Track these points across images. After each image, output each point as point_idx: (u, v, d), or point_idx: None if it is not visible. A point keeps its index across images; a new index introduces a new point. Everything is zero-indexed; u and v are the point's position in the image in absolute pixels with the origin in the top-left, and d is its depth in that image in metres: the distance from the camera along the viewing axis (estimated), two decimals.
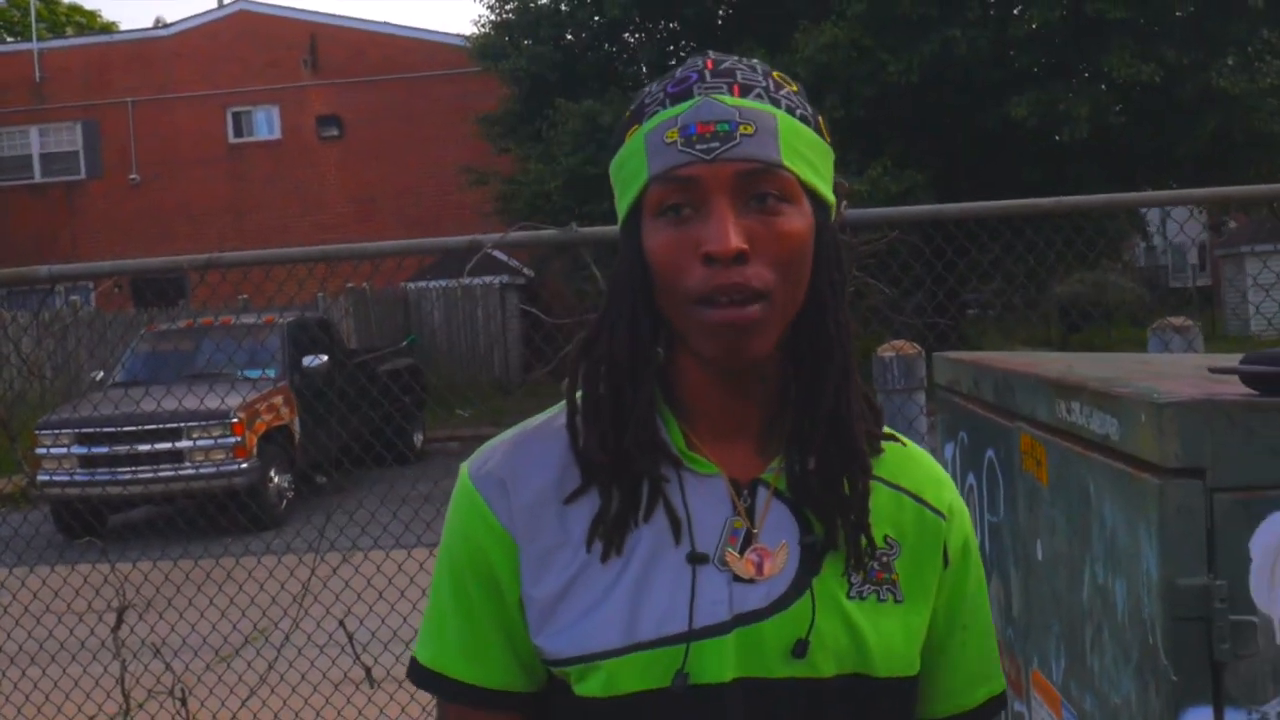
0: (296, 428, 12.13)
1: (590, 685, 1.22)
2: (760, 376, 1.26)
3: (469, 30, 23.48)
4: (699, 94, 1.21)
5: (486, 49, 21.84)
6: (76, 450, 11.00)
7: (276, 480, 11.64)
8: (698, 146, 1.18)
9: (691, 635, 1.21)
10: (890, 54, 17.20)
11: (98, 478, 10.80)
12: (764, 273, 1.18)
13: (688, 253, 1.18)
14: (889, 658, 1.26)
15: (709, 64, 1.25)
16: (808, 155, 1.23)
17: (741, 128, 1.19)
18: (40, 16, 35.84)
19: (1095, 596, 1.61)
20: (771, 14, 19.50)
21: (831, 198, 1.28)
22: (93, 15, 40.45)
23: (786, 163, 1.20)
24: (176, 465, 10.88)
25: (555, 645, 1.24)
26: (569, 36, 21.75)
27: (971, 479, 2.53)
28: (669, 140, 1.20)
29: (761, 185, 1.19)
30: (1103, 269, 22.31)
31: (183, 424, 10.69)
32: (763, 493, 1.27)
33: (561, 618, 1.25)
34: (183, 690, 4.35)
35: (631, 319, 1.24)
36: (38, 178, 27.53)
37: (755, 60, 1.28)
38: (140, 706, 4.50)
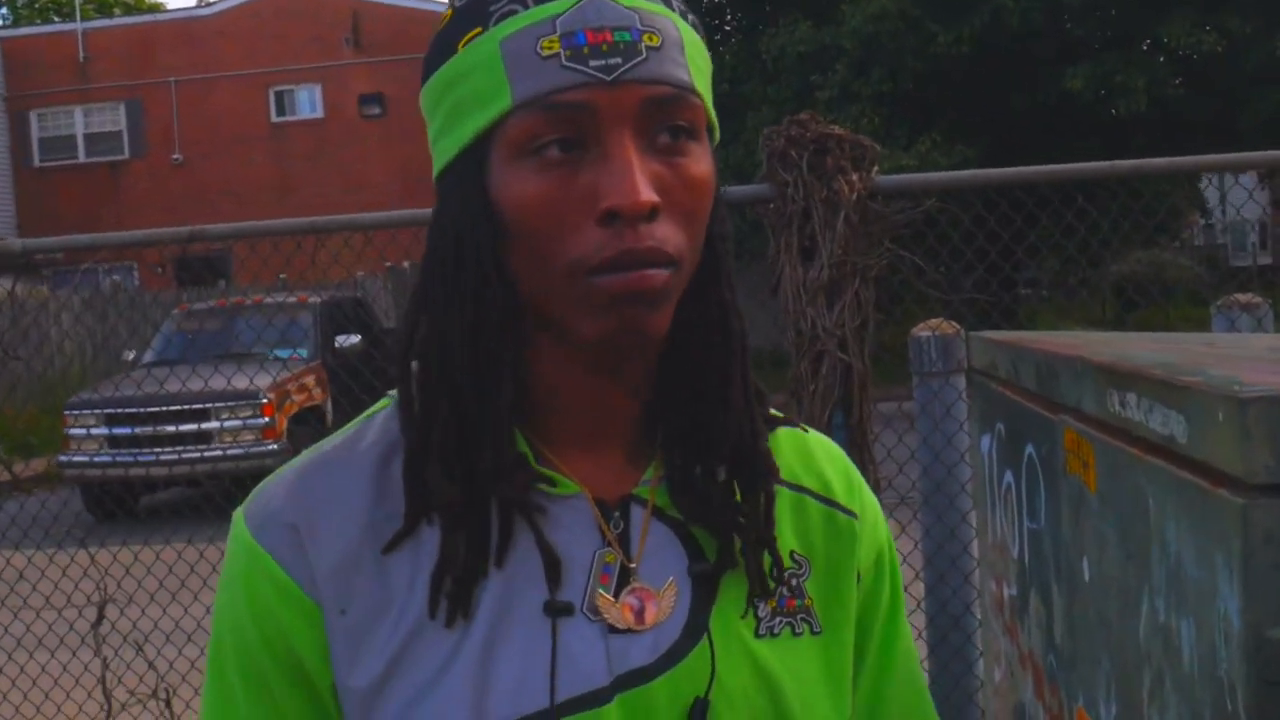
0: (329, 408, 11.94)
1: None
2: (638, 361, 0.96)
3: None
4: None
5: None
6: (104, 431, 10.87)
7: None
8: (591, 63, 0.87)
9: (560, 711, 0.91)
10: (940, 25, 16.80)
11: (124, 458, 10.66)
12: (674, 232, 0.90)
13: (575, 208, 0.88)
14: (812, 707, 0.99)
15: None
16: (708, 76, 0.95)
17: (646, 36, 0.89)
18: None
19: (1155, 636, 1.29)
20: None
21: (717, 131, 0.98)
22: None
23: (698, 85, 0.92)
24: (204, 446, 10.72)
25: None
26: None
27: (1009, 478, 2.21)
28: (545, 52, 0.88)
29: (671, 116, 0.90)
30: (1160, 247, 21.77)
31: (211, 404, 10.52)
32: (638, 513, 0.98)
33: (391, 707, 0.91)
34: (167, 690, 4.13)
35: (477, 294, 0.92)
36: (82, 158, 27.66)
37: None
38: (123, 707, 4.28)
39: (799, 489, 1.05)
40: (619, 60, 0.87)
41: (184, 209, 26.26)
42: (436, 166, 0.98)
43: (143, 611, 4.56)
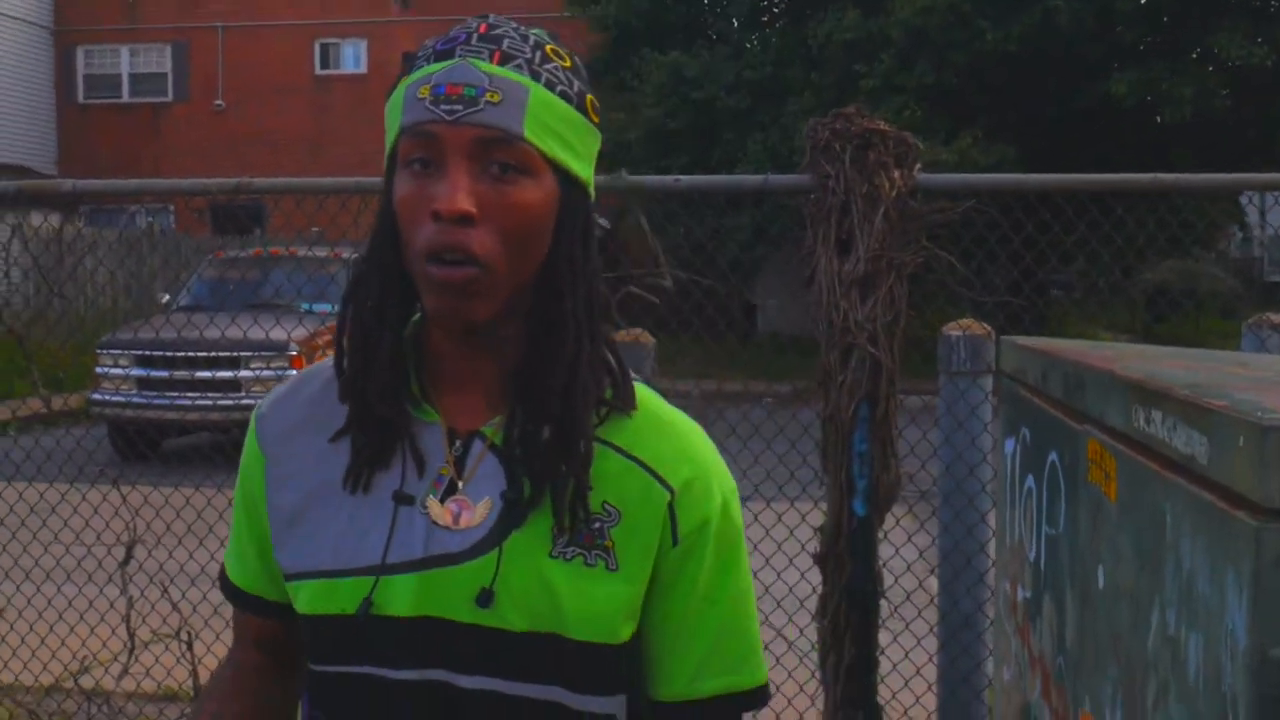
0: None
1: (300, 602, 1.32)
2: (499, 338, 1.29)
3: None
4: (459, 55, 1.24)
5: None
6: (134, 372, 10.97)
7: None
8: (442, 106, 1.22)
9: (382, 570, 1.27)
10: (989, 21, 16.68)
11: (154, 400, 10.76)
12: (488, 240, 1.21)
13: (423, 207, 1.21)
14: (585, 620, 1.27)
15: (482, 28, 1.27)
16: (559, 130, 1.26)
17: (489, 94, 1.22)
18: None
19: (1163, 647, 1.34)
20: None
21: (587, 176, 1.30)
22: None
23: (529, 135, 1.23)
24: (233, 394, 10.80)
25: (284, 558, 1.35)
26: None
27: (1031, 482, 2.26)
28: (420, 96, 1.23)
29: (498, 154, 1.22)
30: (1194, 257, 21.60)
31: (240, 353, 10.59)
32: (478, 445, 1.31)
33: (293, 535, 1.34)
34: (189, 632, 4.21)
35: (382, 270, 1.27)
36: (125, 97, 27.72)
37: (537, 30, 1.31)
38: (146, 646, 4.36)
39: (630, 457, 1.32)
40: (460, 108, 1.21)
41: (219, 156, 26.36)
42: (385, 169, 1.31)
43: (170, 554, 4.64)
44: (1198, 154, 17.20)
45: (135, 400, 10.87)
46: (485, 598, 1.25)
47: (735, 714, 1.37)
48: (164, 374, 10.88)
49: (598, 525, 1.29)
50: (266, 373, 10.83)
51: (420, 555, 1.26)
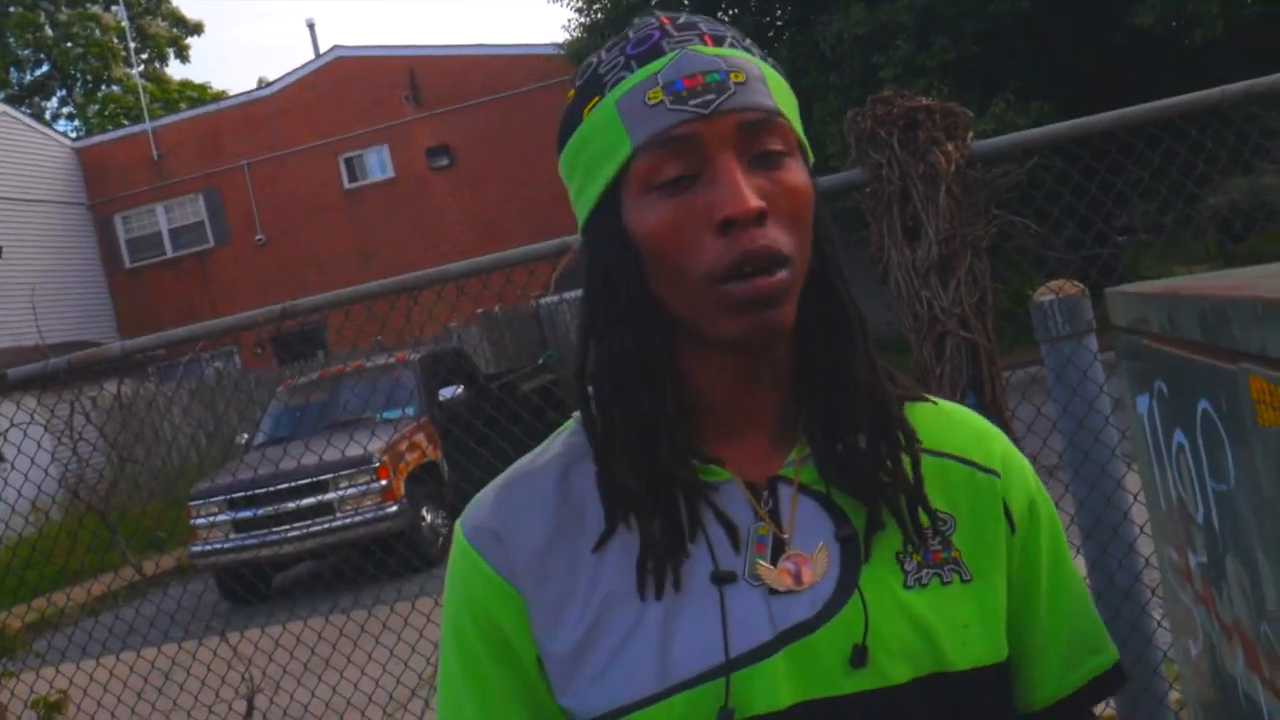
0: (443, 462, 11.93)
1: None
2: (770, 357, 1.11)
3: (561, 37, 23.32)
4: (671, 49, 1.07)
5: (580, 53, 21.64)
6: (228, 516, 10.96)
7: (429, 519, 11.42)
8: (690, 102, 1.04)
9: (731, 665, 1.05)
10: None
11: (251, 541, 10.74)
12: (781, 234, 1.05)
13: (697, 225, 1.04)
14: (967, 646, 1.10)
15: (665, 20, 1.11)
16: (793, 106, 1.12)
17: (733, 75, 1.06)
18: (154, 97, 36.92)
19: None
20: None
21: (810, 152, 1.15)
22: (203, 89, 41.35)
23: (783, 110, 1.09)
24: (327, 518, 10.75)
25: (583, 702, 1.08)
26: None
27: (1180, 438, 2.04)
28: (652, 102, 1.05)
29: (764, 137, 1.06)
30: (1258, 172, 21.04)
31: (327, 475, 10.55)
32: (785, 491, 1.12)
33: (587, 670, 1.08)
34: None
35: (634, 318, 1.08)
36: (169, 253, 28.21)
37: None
38: None
39: (939, 454, 1.17)
40: (713, 96, 1.04)
41: (272, 287, 26.71)
42: (580, 219, 1.12)
43: (291, 697, 4.52)
44: (1239, 68, 16.76)
45: (233, 544, 10.85)
46: (860, 656, 1.06)
47: (1103, 698, 1.26)
48: (256, 512, 10.86)
49: (939, 538, 1.13)
50: (354, 490, 10.77)
51: (770, 635, 1.06)
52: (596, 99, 1.09)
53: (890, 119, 3.21)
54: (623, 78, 1.08)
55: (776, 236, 1.04)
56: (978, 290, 3.20)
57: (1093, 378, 3.34)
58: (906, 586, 1.10)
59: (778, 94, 1.09)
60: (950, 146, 3.19)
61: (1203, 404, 1.82)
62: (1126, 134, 3.40)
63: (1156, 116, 3.25)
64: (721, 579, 1.07)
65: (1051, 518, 1.23)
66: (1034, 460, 3.48)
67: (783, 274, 1.04)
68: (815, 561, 1.09)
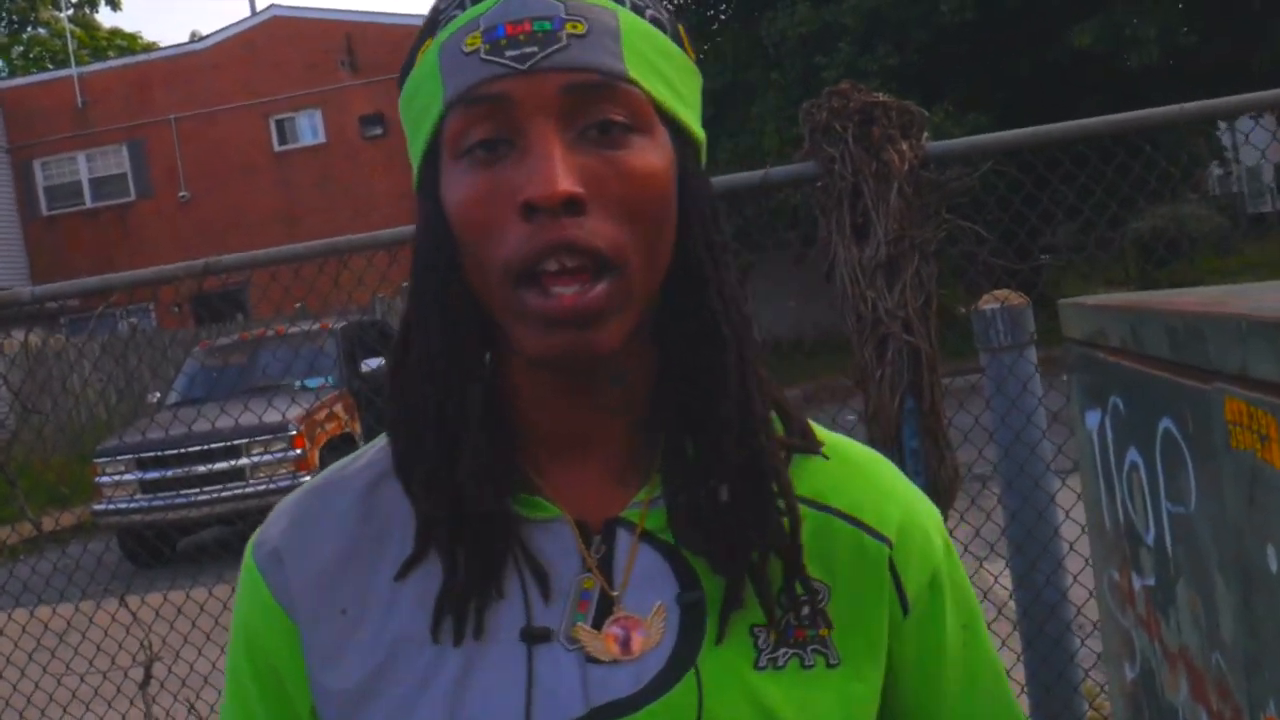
0: (361, 435, 11.76)
1: None
2: (614, 376, 0.91)
3: None
4: None
5: None
6: (135, 476, 10.71)
7: None
8: (507, 54, 0.85)
9: None
10: None
11: (158, 502, 10.50)
12: (609, 228, 0.85)
13: (503, 206, 0.85)
14: None
15: None
16: (663, 69, 0.90)
17: (569, 24, 0.86)
18: (82, 43, 36.06)
19: None
20: None
21: (699, 132, 0.95)
22: (133, 38, 40.47)
23: (633, 74, 0.87)
24: (238, 484, 10.54)
25: None
26: None
27: (1134, 456, 1.99)
28: (468, 49, 0.86)
29: (600, 106, 0.86)
30: (1180, 200, 21.43)
31: (241, 440, 10.34)
32: (624, 537, 0.93)
33: (369, 719, 0.91)
34: None
35: (442, 311, 0.90)
36: (89, 203, 27.60)
37: None
38: None
39: (824, 509, 0.97)
40: (535, 49, 0.84)
41: (195, 245, 26.22)
42: (415, 179, 0.95)
43: (191, 667, 4.38)
44: (1169, 92, 17.05)
45: (138, 505, 10.60)
46: None
47: None
48: (165, 473, 10.63)
49: (806, 610, 0.93)
50: (268, 457, 10.57)
51: (581, 710, 0.88)
52: (430, 40, 0.91)
53: (846, 113, 3.16)
54: (453, 16, 0.89)
55: (597, 230, 0.84)
56: (923, 294, 3.16)
57: (1032, 390, 3.32)
58: (758, 667, 0.92)
59: (635, 52, 0.88)
60: (905, 145, 3.15)
61: (1165, 423, 1.77)
62: (1085, 144, 3.38)
63: (1116, 129, 3.23)
64: (533, 636, 0.90)
65: (963, 597, 1.04)
66: (968, 471, 3.46)
67: (602, 285, 0.84)
68: (649, 627, 0.90)
